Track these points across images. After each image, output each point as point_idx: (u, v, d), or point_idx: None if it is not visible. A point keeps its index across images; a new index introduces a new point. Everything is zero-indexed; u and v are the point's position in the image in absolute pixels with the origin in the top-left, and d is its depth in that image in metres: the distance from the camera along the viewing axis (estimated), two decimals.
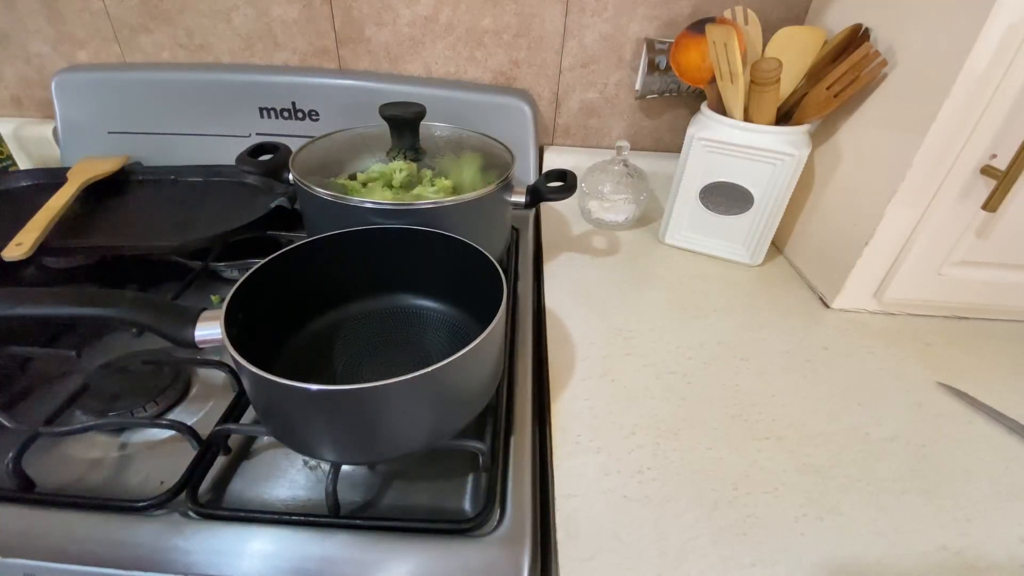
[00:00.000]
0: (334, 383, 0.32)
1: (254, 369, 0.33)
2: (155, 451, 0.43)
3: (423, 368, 0.33)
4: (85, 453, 0.43)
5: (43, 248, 0.57)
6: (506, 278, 0.60)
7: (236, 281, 0.61)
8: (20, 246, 0.53)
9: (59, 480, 0.40)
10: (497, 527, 0.37)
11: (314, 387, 0.32)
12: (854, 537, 0.37)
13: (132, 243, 0.60)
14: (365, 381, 0.32)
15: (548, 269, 0.66)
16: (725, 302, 0.61)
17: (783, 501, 0.39)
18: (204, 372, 0.50)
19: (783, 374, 0.51)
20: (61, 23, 0.72)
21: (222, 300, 0.62)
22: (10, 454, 0.38)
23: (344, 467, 0.41)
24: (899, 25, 0.54)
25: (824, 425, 0.46)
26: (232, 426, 0.41)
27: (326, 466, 0.41)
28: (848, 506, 0.39)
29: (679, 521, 0.37)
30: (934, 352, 0.55)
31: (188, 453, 0.41)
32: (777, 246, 0.72)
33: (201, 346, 0.38)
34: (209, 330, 0.38)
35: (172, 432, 0.43)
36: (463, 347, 0.35)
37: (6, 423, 0.41)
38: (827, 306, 0.61)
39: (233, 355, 0.34)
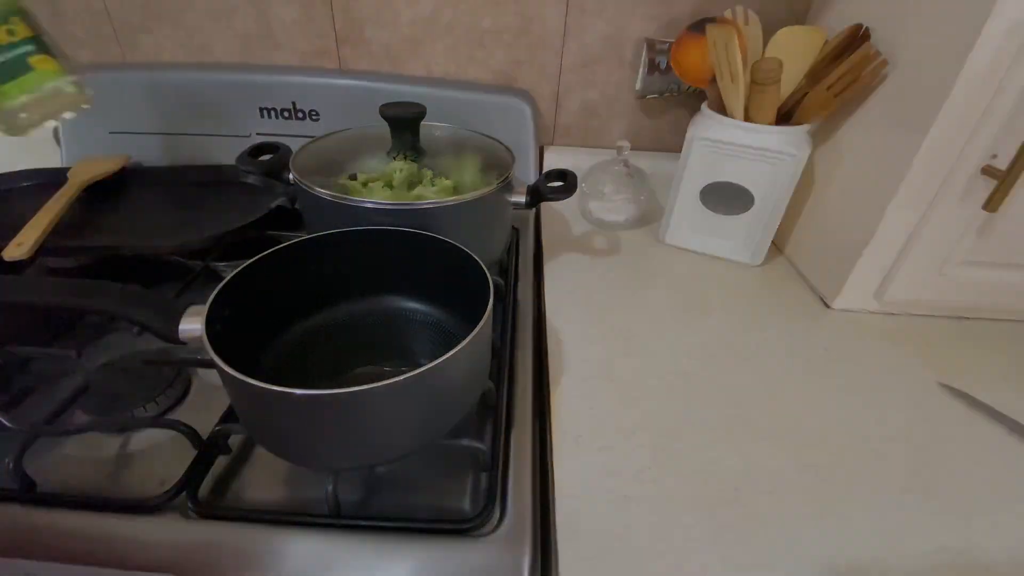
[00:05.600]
0: (319, 387, 0.31)
1: (230, 371, 0.32)
2: (155, 451, 0.43)
3: (409, 371, 0.33)
4: (86, 453, 0.43)
5: (43, 248, 0.57)
6: (506, 279, 0.60)
7: None
8: (20, 246, 0.53)
9: (60, 480, 0.40)
10: (497, 527, 0.37)
11: (298, 392, 0.31)
12: (855, 537, 0.37)
13: (132, 243, 0.60)
14: (351, 385, 0.31)
15: (548, 269, 0.66)
16: (726, 302, 0.61)
17: (783, 502, 0.39)
18: (204, 372, 0.50)
19: (784, 374, 0.51)
20: (62, 23, 0.72)
21: None
22: (11, 454, 0.38)
23: None
24: (900, 25, 0.53)
25: (825, 425, 0.46)
26: (233, 426, 0.41)
27: None
28: (849, 506, 0.39)
29: (680, 521, 0.37)
30: (935, 352, 0.55)
31: (188, 453, 0.41)
32: (778, 246, 0.72)
33: (184, 341, 0.37)
34: (194, 325, 0.37)
35: (172, 432, 0.43)
36: (451, 350, 0.34)
37: (6, 423, 0.41)
38: (828, 306, 0.61)
39: (212, 356, 0.33)
